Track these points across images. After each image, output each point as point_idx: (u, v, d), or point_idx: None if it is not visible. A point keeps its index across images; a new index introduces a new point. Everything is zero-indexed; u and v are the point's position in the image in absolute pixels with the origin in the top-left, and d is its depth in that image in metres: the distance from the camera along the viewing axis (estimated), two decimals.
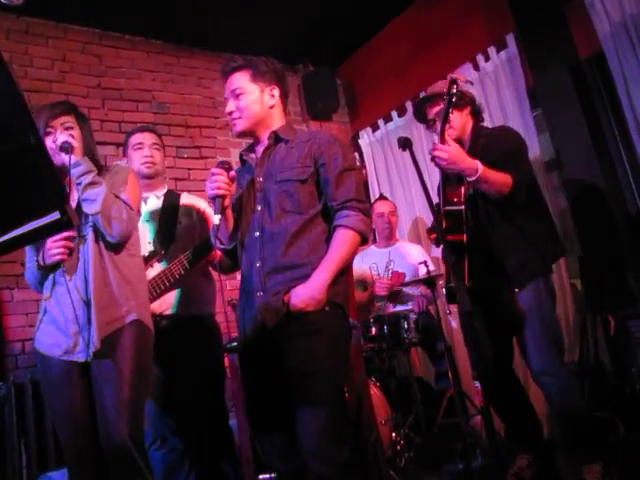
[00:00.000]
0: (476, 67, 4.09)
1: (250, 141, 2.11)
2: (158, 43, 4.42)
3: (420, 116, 2.67)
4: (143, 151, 2.67)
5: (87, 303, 1.92)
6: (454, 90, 2.27)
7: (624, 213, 3.39)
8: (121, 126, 4.02)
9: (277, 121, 2.03)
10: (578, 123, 3.42)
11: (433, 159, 2.31)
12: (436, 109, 2.51)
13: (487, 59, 4.02)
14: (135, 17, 4.06)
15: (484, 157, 2.32)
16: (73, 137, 2.03)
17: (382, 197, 4.15)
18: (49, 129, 2.03)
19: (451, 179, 2.45)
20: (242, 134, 2.03)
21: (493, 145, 2.41)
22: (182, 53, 4.53)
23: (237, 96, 1.97)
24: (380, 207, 3.91)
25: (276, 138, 2.00)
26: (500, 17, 3.82)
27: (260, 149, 2.03)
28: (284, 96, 2.06)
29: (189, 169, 4.28)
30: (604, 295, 3.20)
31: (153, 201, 2.68)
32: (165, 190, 2.75)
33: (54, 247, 1.92)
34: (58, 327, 1.97)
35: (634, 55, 3.23)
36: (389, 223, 3.87)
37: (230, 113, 1.98)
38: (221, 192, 1.87)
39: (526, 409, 2.54)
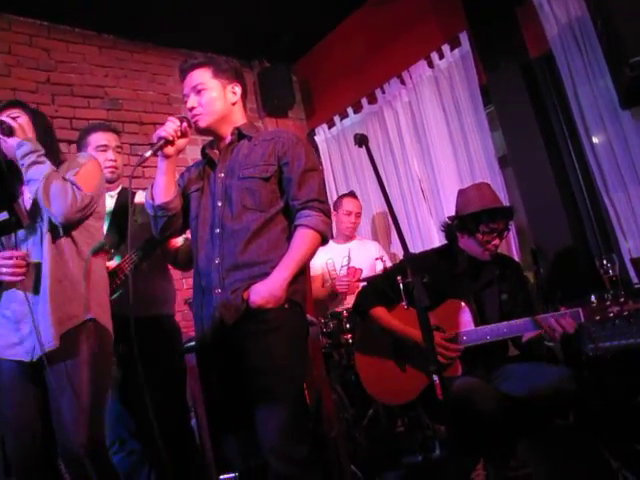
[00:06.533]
0: (430, 64, 4.15)
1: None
2: (110, 37, 4.31)
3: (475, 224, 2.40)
4: (107, 154, 2.56)
5: (40, 299, 1.83)
6: None
7: (573, 205, 3.51)
8: (72, 123, 3.92)
9: (239, 118, 2.02)
10: (529, 120, 3.52)
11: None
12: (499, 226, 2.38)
13: (441, 57, 4.08)
14: (86, 10, 3.94)
15: (512, 300, 2.45)
16: (15, 120, 1.95)
17: (353, 194, 4.02)
18: None
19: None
20: (204, 131, 1.99)
21: (515, 288, 2.49)
22: (135, 48, 4.43)
23: (199, 92, 1.94)
24: (350, 205, 3.85)
25: (239, 134, 1.99)
26: (454, 15, 3.88)
27: (222, 145, 2.01)
28: (244, 94, 2.05)
29: (143, 166, 4.20)
30: (556, 287, 3.30)
31: (107, 200, 2.61)
32: (119, 189, 2.68)
33: (4, 265, 1.84)
34: (6, 325, 1.88)
35: (580, 55, 3.34)
36: (354, 223, 3.88)
37: (191, 109, 1.95)
38: (164, 134, 1.88)
39: None
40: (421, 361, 2.36)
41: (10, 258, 1.85)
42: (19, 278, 1.85)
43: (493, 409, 2.10)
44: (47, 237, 1.91)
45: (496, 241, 2.40)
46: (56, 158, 2.04)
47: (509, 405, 2.16)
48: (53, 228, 1.92)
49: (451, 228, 2.54)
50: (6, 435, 1.92)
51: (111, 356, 2.01)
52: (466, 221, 2.42)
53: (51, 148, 2.04)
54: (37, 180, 1.87)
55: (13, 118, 1.98)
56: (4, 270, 1.85)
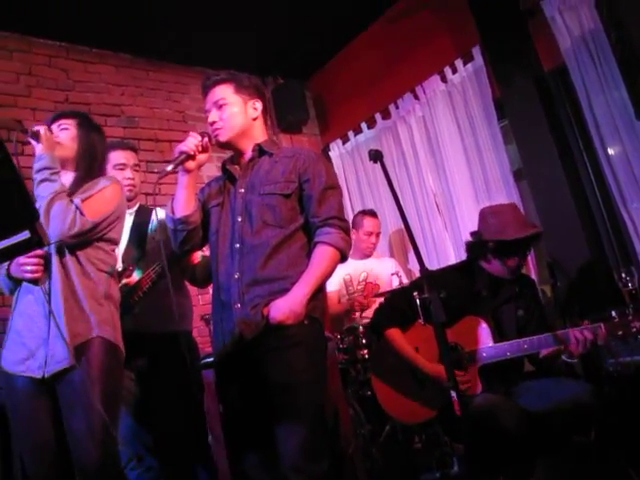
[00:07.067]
0: (444, 79, 4.17)
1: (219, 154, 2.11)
2: (127, 57, 4.38)
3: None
4: (125, 172, 2.58)
5: (50, 316, 1.84)
6: None
7: (589, 217, 3.48)
8: None
9: (259, 134, 2.04)
10: (543, 133, 3.51)
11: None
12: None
13: (454, 71, 4.09)
14: (102, 30, 4.03)
15: (530, 314, 2.44)
16: (50, 130, 1.98)
17: (373, 213, 3.97)
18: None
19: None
20: (224, 145, 2.01)
21: (530, 304, 2.48)
22: (151, 67, 4.50)
23: (220, 107, 1.97)
24: (370, 226, 3.85)
25: (260, 151, 2.01)
26: (466, 30, 3.90)
27: (243, 161, 2.03)
28: (265, 111, 2.07)
29: (160, 184, 4.22)
30: (574, 300, 3.26)
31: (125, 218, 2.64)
32: (137, 206, 2.70)
33: (28, 264, 1.87)
34: (17, 340, 1.90)
35: (594, 67, 3.34)
36: (374, 244, 3.87)
37: (212, 123, 1.98)
38: (185, 148, 1.91)
39: None
40: (436, 385, 2.34)
41: (33, 257, 1.87)
42: (39, 275, 1.87)
43: (516, 425, 2.07)
44: (55, 256, 1.93)
45: (522, 262, 2.41)
46: (91, 173, 2.06)
47: (529, 421, 2.13)
48: (59, 247, 1.94)
49: (477, 247, 2.47)
50: (23, 451, 1.93)
51: (122, 372, 2.00)
52: (505, 247, 2.36)
53: (88, 168, 2.07)
54: (44, 197, 1.89)
55: (62, 129, 2.04)
56: (28, 268, 1.87)
